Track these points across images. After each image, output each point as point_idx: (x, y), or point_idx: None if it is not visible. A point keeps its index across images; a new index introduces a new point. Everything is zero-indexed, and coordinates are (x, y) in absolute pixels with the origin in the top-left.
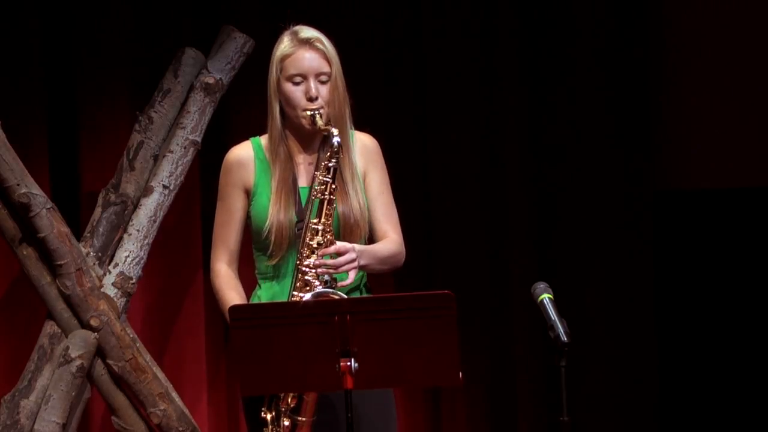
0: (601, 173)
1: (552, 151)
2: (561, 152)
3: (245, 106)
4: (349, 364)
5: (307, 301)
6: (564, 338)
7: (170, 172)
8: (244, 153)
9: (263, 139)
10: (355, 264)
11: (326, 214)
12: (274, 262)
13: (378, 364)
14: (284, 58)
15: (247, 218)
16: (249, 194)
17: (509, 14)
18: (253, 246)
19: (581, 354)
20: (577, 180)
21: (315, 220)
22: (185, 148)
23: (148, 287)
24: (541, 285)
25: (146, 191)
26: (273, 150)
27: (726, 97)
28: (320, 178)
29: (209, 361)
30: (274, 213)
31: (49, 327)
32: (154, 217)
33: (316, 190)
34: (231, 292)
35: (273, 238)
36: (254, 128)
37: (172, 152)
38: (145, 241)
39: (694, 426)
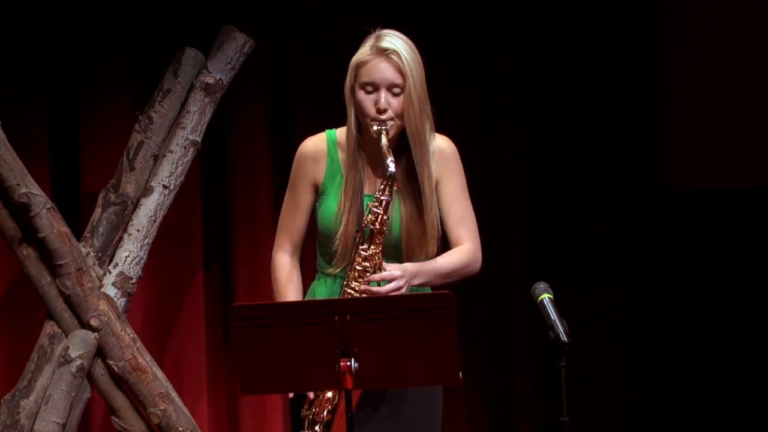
0: (601, 173)
1: (552, 151)
2: (561, 152)
3: (245, 106)
4: (349, 364)
5: (314, 300)
6: (564, 338)
7: (170, 172)
8: (318, 148)
9: (339, 134)
10: (403, 291)
11: (375, 242)
12: (337, 270)
13: (378, 364)
14: (360, 64)
15: (313, 213)
16: (317, 189)
17: (509, 14)
18: (318, 242)
19: (581, 354)
20: (578, 180)
21: (364, 247)
22: (185, 148)
23: (148, 287)
24: (541, 285)
25: (146, 191)
26: (349, 153)
27: (726, 98)
28: (373, 209)
29: (209, 361)
30: (342, 223)
31: (49, 327)
32: (154, 217)
33: (368, 219)
34: (291, 288)
35: (340, 248)
36: (255, 128)
37: (172, 152)
38: (145, 241)
39: (694, 426)
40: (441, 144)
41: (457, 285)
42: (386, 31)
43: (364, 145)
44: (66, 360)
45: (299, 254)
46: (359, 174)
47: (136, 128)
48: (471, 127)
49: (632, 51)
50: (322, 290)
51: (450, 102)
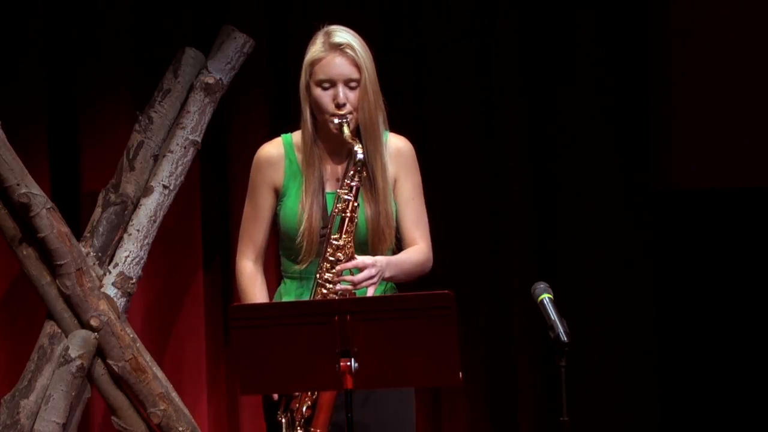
0: (601, 173)
1: (552, 150)
2: (561, 152)
3: (245, 106)
4: (349, 364)
5: (314, 300)
6: (564, 338)
7: (170, 172)
8: (275, 152)
9: (295, 137)
10: (375, 280)
11: (347, 231)
12: (303, 267)
13: (378, 364)
14: (314, 62)
15: (275, 217)
16: (278, 194)
17: (509, 14)
18: (280, 245)
19: (581, 354)
20: (577, 180)
21: (336, 236)
22: (185, 148)
23: (148, 287)
24: (541, 285)
25: (146, 191)
26: (306, 152)
27: (726, 98)
28: (343, 196)
29: (209, 361)
30: (305, 219)
31: (49, 327)
32: (154, 217)
33: (338, 207)
34: (256, 291)
35: (305, 244)
36: (255, 128)
37: (172, 152)
38: (145, 241)
39: (694, 426)
40: (398, 144)
41: (453, 285)
42: (334, 27)
43: (321, 143)
44: (66, 360)
45: (262, 261)
46: (318, 171)
47: (136, 128)
48: (471, 126)
49: (633, 50)
50: (288, 291)
51: (450, 102)
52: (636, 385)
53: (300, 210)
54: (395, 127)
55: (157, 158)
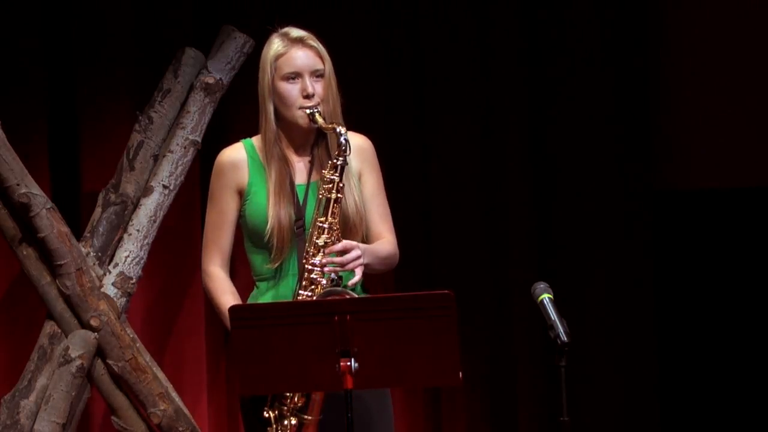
0: (601, 173)
1: (552, 150)
2: (561, 152)
3: (245, 106)
4: (349, 364)
5: (314, 300)
6: (564, 338)
7: (170, 172)
8: (236, 154)
9: (255, 141)
10: (361, 261)
11: (333, 213)
12: (276, 265)
13: (378, 364)
14: (278, 57)
15: (240, 219)
16: (242, 195)
17: (508, 14)
18: (250, 247)
19: (581, 354)
20: (577, 180)
21: (322, 219)
22: (185, 148)
23: (148, 287)
24: (541, 285)
25: (146, 191)
26: (268, 150)
27: (726, 98)
28: (327, 176)
29: (209, 361)
30: (274, 214)
31: (49, 327)
32: (154, 217)
33: (323, 189)
34: (226, 295)
35: (275, 240)
36: (254, 128)
37: (172, 152)
38: (145, 241)
39: (694, 426)
40: (359, 140)
41: (453, 285)
42: (288, 27)
43: (285, 141)
44: (66, 360)
45: (228, 268)
46: (284, 165)
47: (136, 128)
48: (471, 126)
49: (632, 50)
50: (262, 294)
51: (449, 102)
52: (636, 385)
53: (268, 204)
54: (395, 127)
55: (157, 158)
